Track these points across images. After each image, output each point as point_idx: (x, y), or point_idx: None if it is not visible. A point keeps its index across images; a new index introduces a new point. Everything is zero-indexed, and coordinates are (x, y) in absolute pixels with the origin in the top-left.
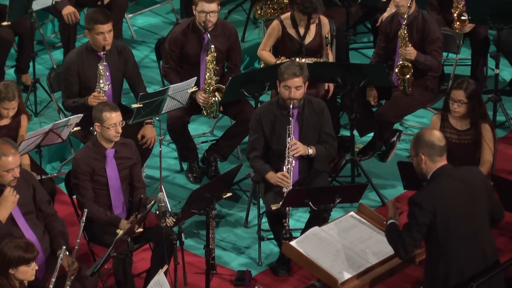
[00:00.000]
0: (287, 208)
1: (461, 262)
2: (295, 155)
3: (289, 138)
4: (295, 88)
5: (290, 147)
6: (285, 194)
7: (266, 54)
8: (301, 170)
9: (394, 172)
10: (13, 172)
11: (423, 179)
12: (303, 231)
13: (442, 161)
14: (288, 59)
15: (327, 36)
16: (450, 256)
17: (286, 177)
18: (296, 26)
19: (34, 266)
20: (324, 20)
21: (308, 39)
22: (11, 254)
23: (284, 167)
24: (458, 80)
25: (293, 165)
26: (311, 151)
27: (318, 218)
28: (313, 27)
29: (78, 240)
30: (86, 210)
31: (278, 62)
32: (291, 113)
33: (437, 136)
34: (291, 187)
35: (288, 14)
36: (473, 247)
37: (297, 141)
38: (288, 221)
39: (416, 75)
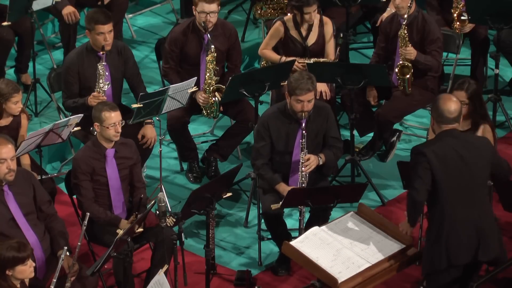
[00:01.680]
0: (303, 208)
1: (452, 225)
2: (309, 171)
3: (302, 153)
4: (308, 101)
5: (303, 162)
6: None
7: (268, 53)
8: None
9: (394, 172)
10: (7, 164)
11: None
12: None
13: (451, 127)
14: (290, 59)
15: (341, 35)
16: (445, 211)
17: None
18: (298, 28)
19: (31, 264)
20: (327, 21)
21: (311, 40)
22: (4, 256)
23: (298, 182)
24: (459, 80)
25: (307, 179)
26: (321, 161)
27: (318, 218)
28: (315, 28)
29: (79, 243)
30: (88, 213)
31: (282, 60)
32: (303, 126)
33: (448, 108)
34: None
35: (291, 16)
36: (467, 207)
37: (310, 155)
38: (304, 218)
39: (416, 75)
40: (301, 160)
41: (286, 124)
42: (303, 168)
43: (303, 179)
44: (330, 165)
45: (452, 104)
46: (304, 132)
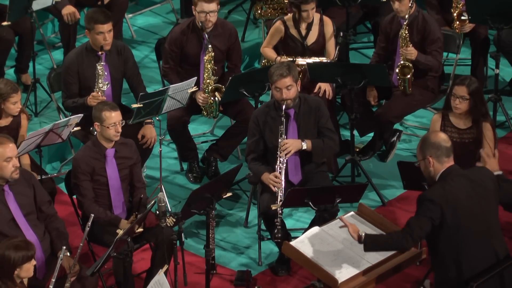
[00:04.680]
0: (279, 209)
1: (474, 260)
2: (287, 155)
3: (280, 138)
4: (286, 88)
5: (281, 147)
6: (278, 194)
7: (268, 51)
8: (304, 168)
9: (394, 172)
10: (13, 162)
11: (431, 182)
12: (306, 230)
13: (450, 162)
14: (289, 58)
15: (341, 34)
16: (462, 255)
17: (277, 177)
18: (298, 27)
19: (33, 262)
20: (327, 20)
21: (312, 39)
22: (15, 256)
23: (276, 167)
24: (461, 76)
25: (285, 165)
26: (305, 145)
27: (324, 219)
28: (315, 27)
29: (81, 244)
30: (92, 215)
31: (278, 59)
32: (282, 113)
33: (442, 138)
34: (283, 188)
35: (291, 15)
36: (485, 245)
37: (288, 139)
38: (281, 220)
39: (417, 75)
40: (279, 145)
41: (275, 117)
42: (281, 153)
43: (281, 164)
44: (319, 152)
45: (441, 134)
46: (283, 118)
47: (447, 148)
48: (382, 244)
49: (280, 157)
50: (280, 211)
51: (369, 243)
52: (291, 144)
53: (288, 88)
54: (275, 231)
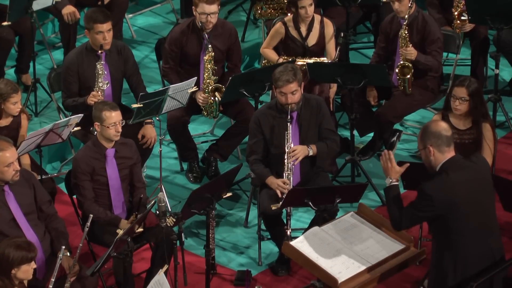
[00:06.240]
0: (289, 209)
1: (468, 254)
2: (296, 162)
3: (287, 144)
4: (291, 93)
5: (289, 153)
6: (284, 195)
7: (268, 52)
8: (303, 170)
9: None
10: (13, 166)
11: (431, 171)
12: (306, 230)
13: (451, 152)
14: (289, 58)
15: (342, 35)
16: (458, 248)
17: (286, 183)
18: (298, 28)
19: (33, 265)
20: (328, 22)
21: (312, 41)
22: (14, 255)
23: (284, 173)
24: (460, 78)
25: (293, 171)
26: (311, 151)
27: (324, 219)
28: (316, 28)
29: (81, 244)
30: (91, 215)
31: (280, 60)
32: (289, 118)
33: (443, 127)
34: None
35: (291, 16)
36: (481, 240)
37: (296, 146)
38: (290, 225)
39: (416, 75)
40: (286, 150)
41: (277, 119)
42: (289, 160)
43: (289, 171)
44: (324, 157)
45: (442, 123)
46: (289, 124)
47: (447, 137)
48: (388, 205)
49: (288, 163)
50: (288, 218)
51: (387, 194)
52: (300, 151)
53: (293, 93)
54: (285, 238)
